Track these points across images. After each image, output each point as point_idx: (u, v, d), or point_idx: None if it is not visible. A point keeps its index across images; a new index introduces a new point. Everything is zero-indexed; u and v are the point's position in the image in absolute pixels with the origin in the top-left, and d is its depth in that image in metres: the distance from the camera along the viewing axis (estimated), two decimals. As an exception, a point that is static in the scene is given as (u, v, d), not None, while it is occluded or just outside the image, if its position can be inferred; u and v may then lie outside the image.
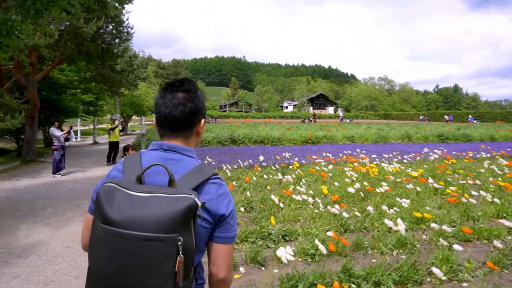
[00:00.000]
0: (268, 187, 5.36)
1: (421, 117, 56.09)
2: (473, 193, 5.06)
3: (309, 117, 45.66)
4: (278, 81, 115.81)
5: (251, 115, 63.77)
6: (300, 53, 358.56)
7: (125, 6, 12.97)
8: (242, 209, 4.43)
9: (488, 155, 10.92)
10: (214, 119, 40.99)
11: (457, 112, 58.15)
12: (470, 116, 46.87)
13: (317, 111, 76.13)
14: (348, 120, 42.44)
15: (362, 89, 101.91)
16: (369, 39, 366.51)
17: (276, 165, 8.15)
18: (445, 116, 46.24)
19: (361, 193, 4.62)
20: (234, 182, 5.79)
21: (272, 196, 4.25)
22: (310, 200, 4.35)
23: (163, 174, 1.04)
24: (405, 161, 8.37)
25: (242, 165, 8.56)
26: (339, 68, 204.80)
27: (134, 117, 39.93)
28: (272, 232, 4.05)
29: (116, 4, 12.07)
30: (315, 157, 9.45)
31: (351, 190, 4.44)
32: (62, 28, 11.85)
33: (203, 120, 1.19)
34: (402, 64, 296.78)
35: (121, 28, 13.85)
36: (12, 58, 11.04)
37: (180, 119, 1.11)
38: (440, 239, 3.62)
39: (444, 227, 3.45)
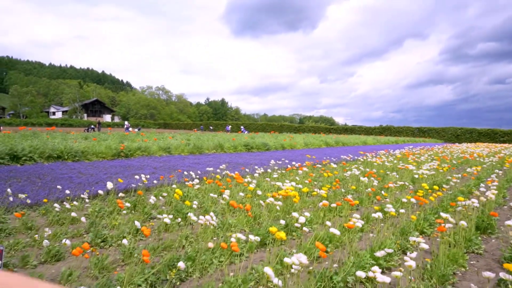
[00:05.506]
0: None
1: (200, 127, 61.06)
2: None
3: (93, 125, 40.07)
4: (41, 83, 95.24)
5: (7, 121, 49.45)
6: (68, 54, 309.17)
7: None
8: None
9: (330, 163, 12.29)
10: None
11: (229, 123, 66.64)
12: (241, 127, 54.52)
13: (93, 119, 68.70)
14: (136, 129, 39.97)
15: (141, 97, 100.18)
16: (145, 48, 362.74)
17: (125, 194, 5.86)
18: (227, 127, 51.66)
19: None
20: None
21: None
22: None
23: None
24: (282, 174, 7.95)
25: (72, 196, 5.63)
26: (113, 74, 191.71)
27: None
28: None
29: None
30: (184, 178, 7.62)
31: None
32: None
33: None
34: (177, 76, 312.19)
35: None
36: None
37: None
38: None
39: None
